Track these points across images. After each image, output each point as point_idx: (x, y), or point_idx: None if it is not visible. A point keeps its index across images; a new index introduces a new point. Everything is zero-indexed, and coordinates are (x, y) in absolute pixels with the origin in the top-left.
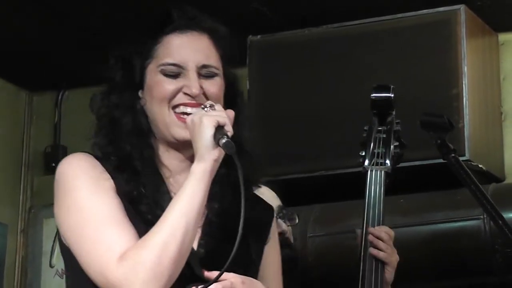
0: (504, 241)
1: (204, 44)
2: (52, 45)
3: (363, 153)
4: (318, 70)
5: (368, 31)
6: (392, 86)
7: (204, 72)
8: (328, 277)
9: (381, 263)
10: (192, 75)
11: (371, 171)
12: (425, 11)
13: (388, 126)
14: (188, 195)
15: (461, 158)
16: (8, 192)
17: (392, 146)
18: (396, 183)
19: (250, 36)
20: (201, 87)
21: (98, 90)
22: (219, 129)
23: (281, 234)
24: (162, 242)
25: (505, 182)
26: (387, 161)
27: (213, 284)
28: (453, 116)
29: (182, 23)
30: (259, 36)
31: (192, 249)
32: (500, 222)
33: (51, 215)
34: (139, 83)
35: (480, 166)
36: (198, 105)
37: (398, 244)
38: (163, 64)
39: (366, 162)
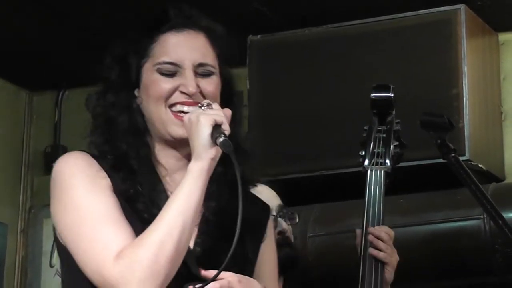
0: (504, 241)
1: (201, 42)
2: (52, 45)
3: (363, 153)
4: (318, 70)
5: (368, 31)
6: (392, 86)
7: (200, 71)
8: (328, 277)
9: (381, 263)
10: (189, 73)
11: (371, 170)
12: (425, 11)
13: (388, 126)
14: (185, 194)
15: (461, 158)
16: (8, 192)
17: (392, 146)
18: (396, 183)
19: (250, 36)
20: (198, 86)
21: (96, 90)
22: (217, 128)
23: (281, 233)
24: (159, 241)
25: (505, 182)
26: (387, 161)
27: (210, 283)
28: (453, 116)
29: (179, 22)
30: (259, 36)
31: (189, 248)
32: (500, 222)
33: None
34: (135, 82)
35: (480, 166)
36: (195, 103)
37: (398, 244)
38: (160, 63)
39: (366, 162)
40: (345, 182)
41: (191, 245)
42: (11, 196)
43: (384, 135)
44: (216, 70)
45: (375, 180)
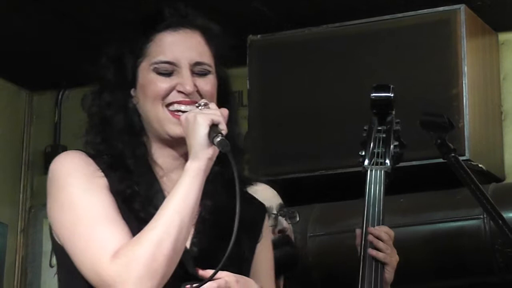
0: (504, 241)
1: (197, 41)
2: (52, 45)
3: (363, 153)
4: (318, 70)
5: (368, 31)
6: (392, 86)
7: (197, 70)
8: (328, 277)
9: (381, 263)
10: (186, 72)
11: (371, 170)
12: (425, 11)
13: (388, 126)
14: (183, 193)
15: (461, 158)
16: (8, 191)
17: (392, 146)
18: (396, 183)
19: (250, 36)
20: (195, 85)
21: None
22: (214, 127)
23: (282, 232)
24: (157, 239)
25: (505, 182)
26: (387, 161)
27: (207, 283)
28: (453, 116)
29: (174, 21)
30: (259, 36)
31: (185, 247)
32: (500, 222)
33: None
34: (131, 82)
35: (480, 165)
36: (192, 102)
37: (398, 244)
38: (156, 62)
39: (366, 162)
40: (345, 182)
41: (188, 244)
42: (11, 195)
43: (384, 135)
44: (213, 69)
45: (375, 180)
